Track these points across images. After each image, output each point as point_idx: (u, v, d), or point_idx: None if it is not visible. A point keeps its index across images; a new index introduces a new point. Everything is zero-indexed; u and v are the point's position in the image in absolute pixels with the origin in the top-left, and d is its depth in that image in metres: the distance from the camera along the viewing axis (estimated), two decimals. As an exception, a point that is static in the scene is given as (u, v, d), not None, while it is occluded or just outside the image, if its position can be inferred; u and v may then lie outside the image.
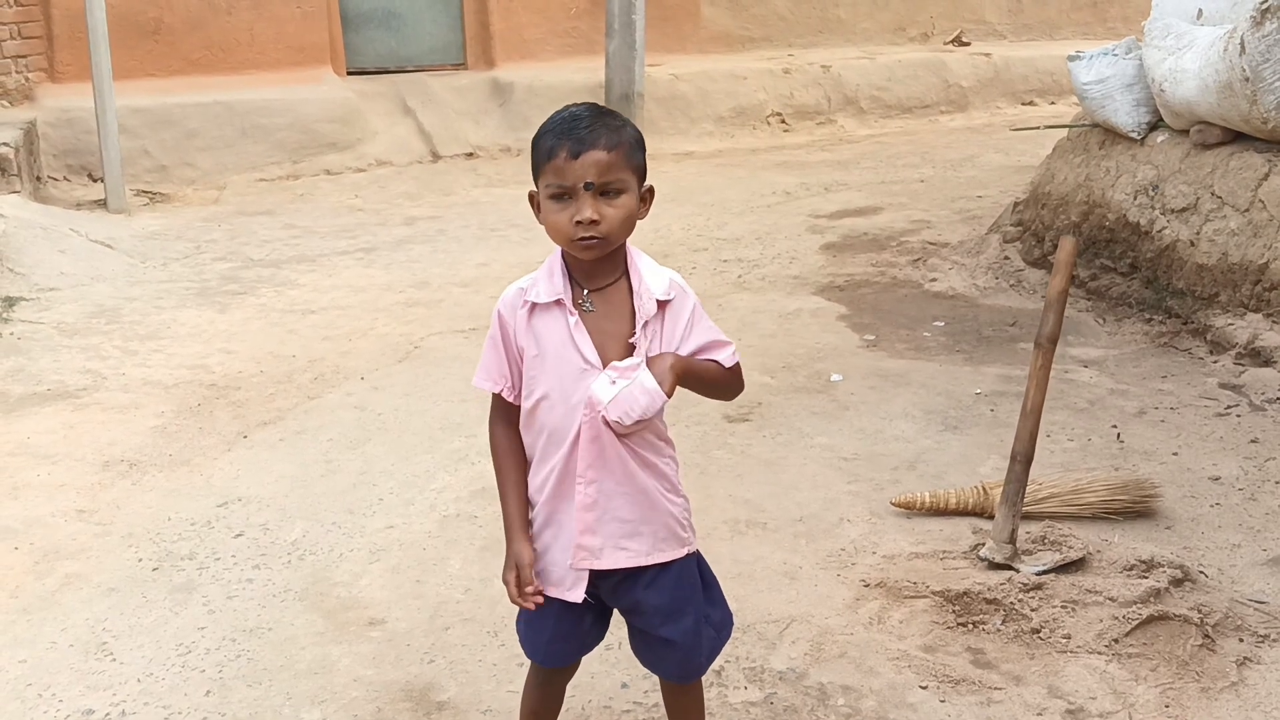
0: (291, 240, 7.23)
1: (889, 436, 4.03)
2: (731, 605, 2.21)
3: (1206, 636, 2.68)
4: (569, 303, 1.96)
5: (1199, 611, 2.73)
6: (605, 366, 1.94)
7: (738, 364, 2.07)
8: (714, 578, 2.17)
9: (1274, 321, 4.50)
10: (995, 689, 2.56)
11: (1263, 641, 2.72)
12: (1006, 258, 6.14)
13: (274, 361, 4.96)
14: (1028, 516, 3.16)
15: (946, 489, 3.45)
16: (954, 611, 2.83)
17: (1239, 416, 4.10)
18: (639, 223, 1.99)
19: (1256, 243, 4.65)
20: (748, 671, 2.66)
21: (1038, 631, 2.72)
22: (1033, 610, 2.77)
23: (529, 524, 2.06)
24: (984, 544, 3.05)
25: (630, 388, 1.91)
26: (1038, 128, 8.07)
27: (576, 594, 2.03)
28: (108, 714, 2.60)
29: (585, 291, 1.98)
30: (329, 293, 6.06)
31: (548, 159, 1.90)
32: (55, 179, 8.49)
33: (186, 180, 8.81)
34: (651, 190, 2.00)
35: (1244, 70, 4.59)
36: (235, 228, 7.55)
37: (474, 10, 10.77)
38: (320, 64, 9.87)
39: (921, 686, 2.58)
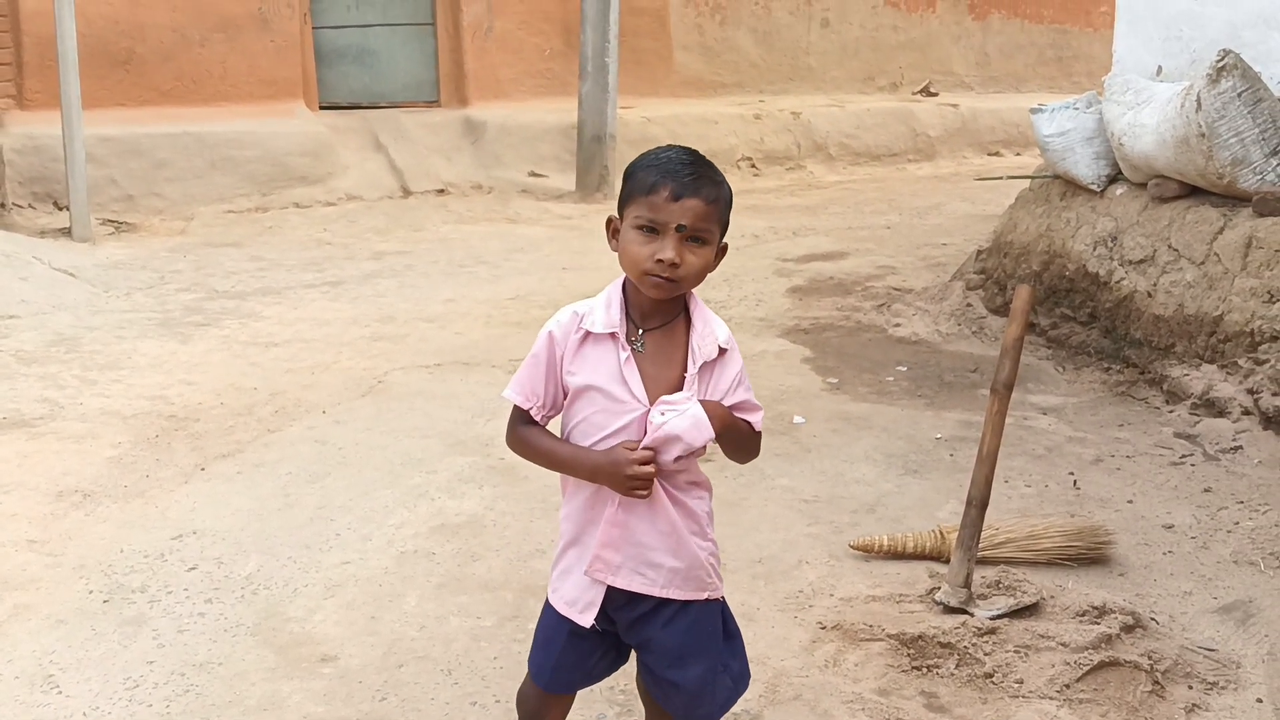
0: (258, 272, 7.20)
1: (850, 479, 4.05)
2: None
3: (1156, 683, 2.70)
4: (623, 337, 1.97)
5: (1149, 658, 2.76)
6: (651, 406, 1.95)
7: (760, 431, 2.11)
8: (738, 629, 2.17)
9: (1228, 373, 4.57)
10: (947, 733, 2.57)
11: (1211, 689, 2.74)
12: (969, 305, 6.22)
13: (235, 394, 4.93)
14: (984, 561, 3.18)
15: (905, 533, 3.47)
16: (909, 655, 2.83)
17: (1193, 466, 4.16)
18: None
19: (1212, 295, 4.74)
20: (702, 713, 2.65)
21: (990, 676, 2.73)
22: (986, 655, 2.78)
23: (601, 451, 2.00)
24: (940, 588, 3.06)
25: (679, 418, 1.92)
26: (1001, 177, 8.22)
27: (586, 618, 2.04)
28: (50, 749, 2.55)
29: (640, 331, 1.99)
30: (293, 325, 6.03)
31: (647, 193, 1.92)
32: (20, 206, 8.44)
33: (154, 210, 8.78)
34: (725, 247, 2.02)
35: (1200, 126, 4.70)
36: (201, 259, 7.52)
37: (448, 49, 10.87)
38: (293, 98, 9.91)
39: (875, 730, 2.58)
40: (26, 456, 4.21)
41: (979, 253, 6.51)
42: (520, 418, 2.07)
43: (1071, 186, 5.87)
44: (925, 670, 2.79)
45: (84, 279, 6.79)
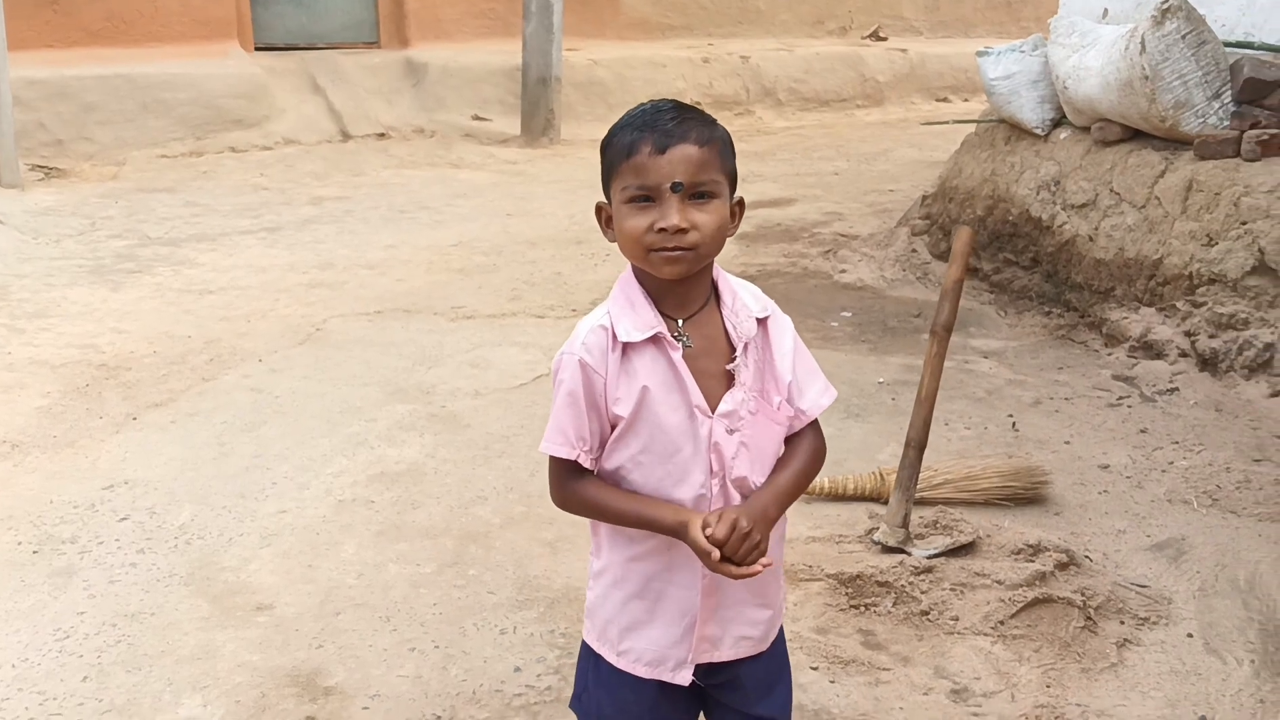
0: (192, 218, 7.03)
1: (792, 423, 4.05)
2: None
3: (1089, 619, 2.74)
4: (668, 336, 1.62)
5: (1082, 594, 2.79)
6: (714, 412, 1.63)
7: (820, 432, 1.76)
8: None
9: (1166, 315, 4.62)
10: (884, 669, 2.59)
11: (1143, 624, 2.79)
12: (914, 250, 6.23)
13: (168, 342, 4.82)
14: (922, 502, 3.21)
15: (845, 475, 3.48)
16: (847, 594, 2.85)
17: (1130, 407, 4.21)
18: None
19: (1151, 238, 4.78)
20: (641, 655, 2.65)
21: (927, 613, 2.75)
22: (923, 593, 2.80)
23: (673, 507, 1.65)
24: (878, 528, 3.08)
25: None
26: (948, 122, 8.22)
27: (684, 675, 1.71)
28: (-26, 702, 2.49)
29: (679, 323, 1.64)
30: (229, 272, 5.90)
31: (626, 156, 1.58)
32: (-57, 150, 8.14)
33: (84, 155, 8.52)
34: (742, 202, 1.68)
35: (1144, 69, 4.71)
36: (133, 205, 7.32)
37: (389, -12, 10.61)
38: (227, 38, 9.63)
39: (812, 667, 2.60)
40: (-50, 407, 4.09)
41: (924, 198, 6.51)
42: (567, 471, 1.68)
43: (1017, 131, 5.87)
44: (863, 609, 2.81)
45: (12, 226, 6.58)
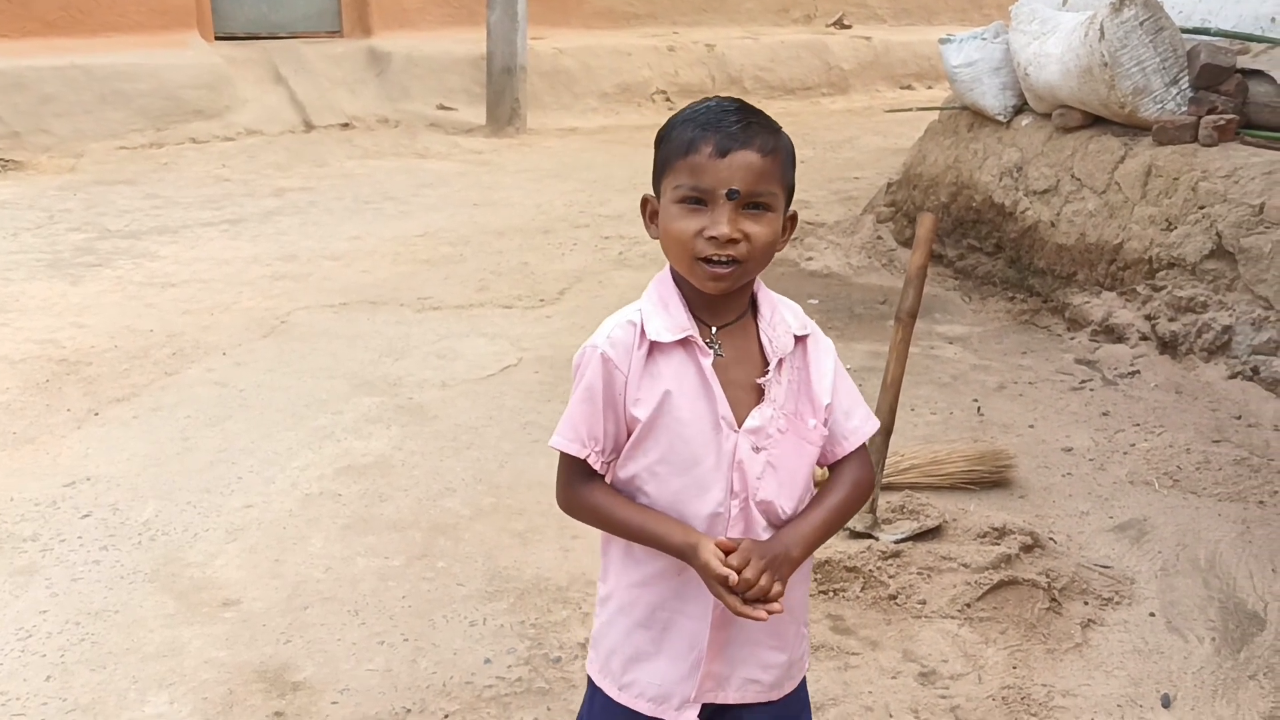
0: (153, 211, 6.94)
1: (760, 410, 4.06)
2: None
3: (1054, 600, 2.77)
4: (699, 340, 1.53)
5: (1047, 576, 2.83)
6: (740, 427, 1.53)
7: (864, 449, 1.65)
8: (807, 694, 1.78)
9: (1127, 299, 4.68)
10: (853, 654, 2.61)
11: (1106, 604, 2.82)
12: (879, 237, 6.26)
13: (130, 336, 4.76)
14: (889, 487, 3.23)
15: (813, 461, 3.50)
16: (816, 579, 2.87)
17: (1092, 390, 4.26)
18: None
19: (1112, 223, 4.83)
20: (611, 644, 2.65)
21: (895, 597, 2.78)
22: (890, 577, 2.82)
23: (684, 526, 1.54)
24: (846, 514, 3.10)
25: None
26: (911, 109, 8.26)
27: (689, 715, 1.60)
28: (-65, 704, 2.46)
29: (714, 330, 1.55)
30: (191, 265, 5.83)
31: (684, 154, 1.48)
32: (-104, 143, 8.00)
33: (41, 147, 8.39)
34: (795, 217, 1.58)
35: (1103, 55, 4.75)
36: (92, 197, 7.22)
37: (350, -23, 10.51)
38: (186, 28, 9.51)
39: (782, 655, 2.61)
40: (-94, 404, 4.02)
41: (889, 185, 6.54)
42: (576, 471, 1.58)
43: (979, 118, 5.91)
44: (832, 594, 2.83)
45: (-33, 219, 6.48)
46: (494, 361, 4.50)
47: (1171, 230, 4.50)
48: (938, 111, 6.51)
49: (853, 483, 1.62)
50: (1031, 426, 3.93)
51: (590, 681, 1.69)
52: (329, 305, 5.22)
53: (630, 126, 10.36)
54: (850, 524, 3.05)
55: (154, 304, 5.19)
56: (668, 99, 11.35)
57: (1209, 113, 4.62)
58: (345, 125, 9.67)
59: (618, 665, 1.63)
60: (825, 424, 1.59)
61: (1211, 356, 4.27)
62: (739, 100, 1.54)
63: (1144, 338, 4.52)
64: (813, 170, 8.53)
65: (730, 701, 1.61)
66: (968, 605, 2.73)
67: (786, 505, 1.56)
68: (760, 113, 1.52)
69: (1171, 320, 4.44)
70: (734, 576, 1.45)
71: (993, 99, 5.68)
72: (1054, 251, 5.12)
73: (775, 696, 1.64)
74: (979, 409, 4.07)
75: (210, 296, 5.33)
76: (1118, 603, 2.83)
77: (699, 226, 1.47)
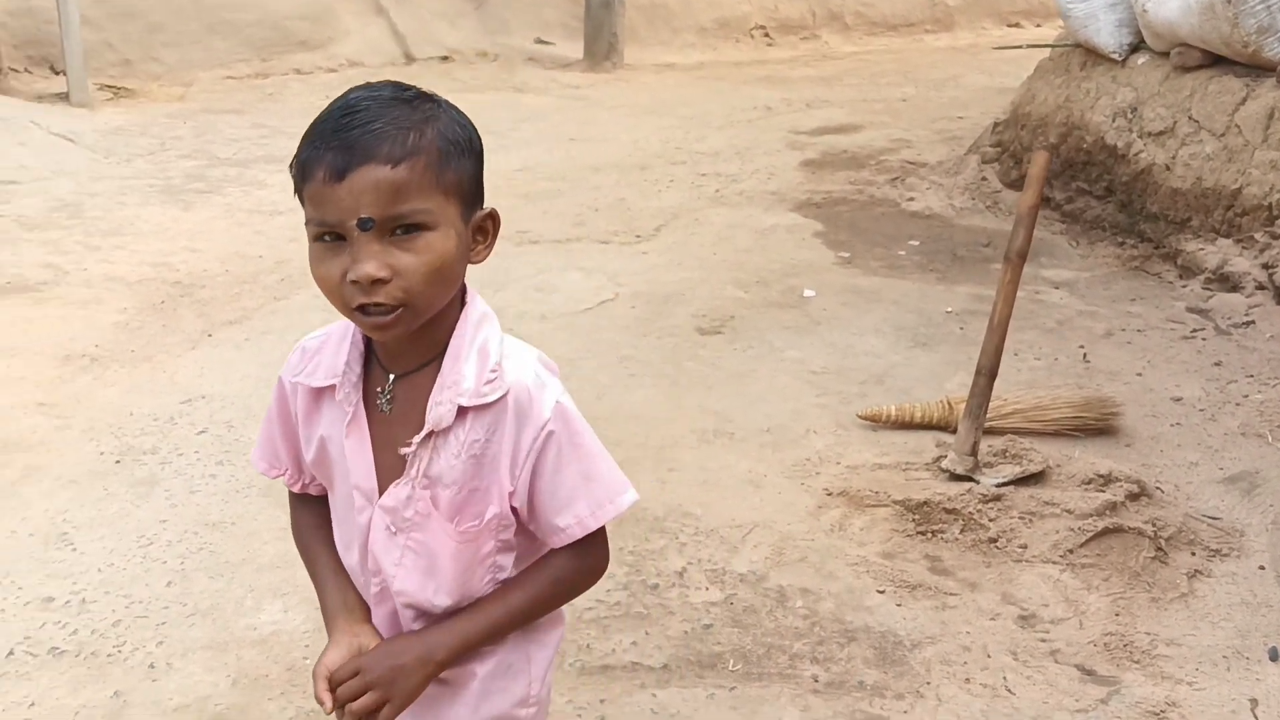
0: (260, 140, 7.08)
1: (859, 351, 4.04)
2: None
3: (1159, 549, 2.72)
4: (350, 392, 1.30)
5: (1153, 525, 2.78)
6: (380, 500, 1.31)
7: (594, 536, 1.34)
8: None
9: (1243, 247, 4.51)
10: (950, 594, 2.60)
11: (1214, 556, 2.77)
12: (984, 178, 6.11)
13: (240, 261, 4.89)
14: (991, 431, 3.19)
15: (912, 403, 3.47)
16: (914, 520, 2.86)
17: (1204, 340, 4.13)
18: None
19: (1231, 168, 4.64)
20: (710, 573, 2.69)
21: (995, 541, 2.76)
22: (991, 520, 2.80)
23: (339, 601, 1.38)
24: (946, 456, 3.07)
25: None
26: (1020, 47, 7.99)
27: None
28: (68, 601, 2.60)
29: (390, 378, 1.30)
30: (297, 194, 5.95)
31: (303, 180, 1.20)
32: (15, 70, 8.24)
33: (151, 75, 8.59)
34: (494, 217, 1.30)
35: (1230, -9, 4.53)
36: (201, 125, 7.39)
37: (451, -92, 10.47)
38: (291, -41, 9.58)
39: (879, 591, 2.62)
40: (31, 321, 4.20)
41: (995, 125, 6.37)
42: (291, 490, 1.46)
43: (1092, 56, 5.69)
44: (930, 535, 2.82)
45: (83, 145, 6.68)
46: (591, 296, 4.53)
47: (1297, 176, 4.31)
48: (1048, 50, 6.29)
49: (552, 580, 1.35)
50: (1139, 375, 3.84)
51: None
52: (429, 236, 5.29)
53: (728, 63, 10.21)
54: (949, 466, 3.02)
55: (262, 231, 5.32)
56: (767, 35, 11.15)
57: (1345, 52, 4.39)
58: (444, 58, 9.71)
59: None
60: (517, 513, 1.32)
61: (1334, 308, 4.11)
62: (389, 84, 1.24)
63: (1260, 287, 4.36)
64: (915, 109, 8.34)
65: None
66: (1070, 551, 2.69)
67: (440, 599, 1.32)
68: (403, 99, 1.22)
69: (1291, 270, 4.27)
70: (327, 704, 1.28)
71: (1108, 36, 5.47)
72: (1168, 196, 4.94)
73: None
74: (1085, 356, 3.98)
75: (315, 225, 5.43)
76: (1226, 554, 2.78)
77: (343, 269, 1.18)
